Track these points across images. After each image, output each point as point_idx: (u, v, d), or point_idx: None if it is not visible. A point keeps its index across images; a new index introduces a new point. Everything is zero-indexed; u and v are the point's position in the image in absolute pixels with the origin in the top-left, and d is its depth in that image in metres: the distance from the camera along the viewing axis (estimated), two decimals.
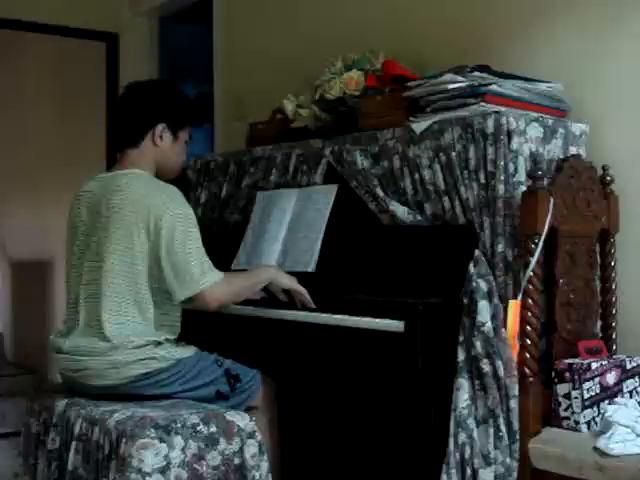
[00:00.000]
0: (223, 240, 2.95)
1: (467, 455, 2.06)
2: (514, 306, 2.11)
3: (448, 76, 2.33)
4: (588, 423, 2.11)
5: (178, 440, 2.04)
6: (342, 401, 2.39)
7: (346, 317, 2.26)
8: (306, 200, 2.71)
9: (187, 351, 2.30)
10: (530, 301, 2.12)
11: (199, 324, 2.47)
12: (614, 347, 2.34)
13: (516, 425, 2.07)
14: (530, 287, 2.11)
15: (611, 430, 1.99)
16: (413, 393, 2.11)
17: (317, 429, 2.49)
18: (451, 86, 2.32)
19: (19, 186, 5.75)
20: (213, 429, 2.10)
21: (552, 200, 2.15)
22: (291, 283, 2.43)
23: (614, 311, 2.36)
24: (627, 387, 2.23)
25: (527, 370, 2.11)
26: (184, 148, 2.49)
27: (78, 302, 2.31)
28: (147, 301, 2.25)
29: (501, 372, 2.06)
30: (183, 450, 2.05)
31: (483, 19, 2.78)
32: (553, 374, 2.16)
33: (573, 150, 2.36)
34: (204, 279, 2.24)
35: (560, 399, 2.14)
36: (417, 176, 2.38)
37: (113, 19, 4.83)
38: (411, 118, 2.43)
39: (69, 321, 2.36)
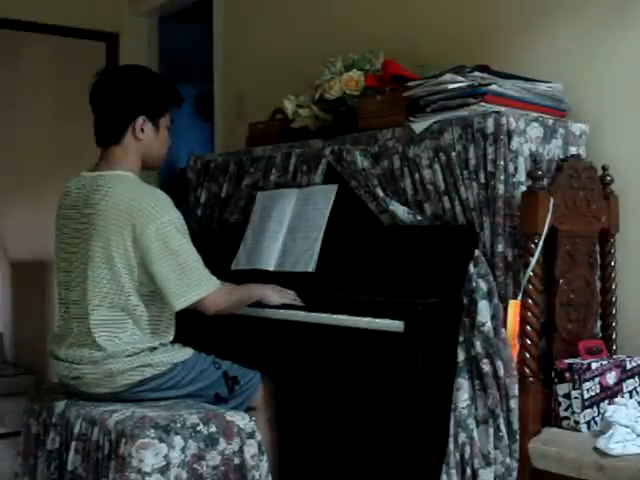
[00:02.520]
0: (223, 240, 2.95)
1: (467, 455, 2.06)
2: (514, 306, 2.11)
3: (448, 76, 2.33)
4: (588, 423, 2.11)
5: (178, 440, 2.04)
6: (342, 401, 2.39)
7: (346, 317, 2.26)
8: (306, 200, 2.70)
9: (184, 354, 2.29)
10: (530, 301, 2.11)
11: (197, 324, 2.46)
12: (614, 347, 2.34)
13: (516, 425, 2.07)
14: (530, 287, 2.11)
15: (611, 430, 1.99)
16: (413, 393, 2.11)
17: (317, 429, 2.49)
18: (451, 86, 2.32)
19: (19, 186, 5.75)
20: (213, 429, 2.10)
21: (552, 200, 2.15)
22: (279, 299, 2.42)
23: (614, 311, 2.36)
24: (627, 387, 2.23)
25: (527, 370, 2.11)
26: (167, 134, 2.42)
27: (69, 310, 2.29)
28: (137, 308, 2.21)
29: (501, 372, 2.06)
30: (183, 450, 2.05)
31: (483, 19, 2.77)
32: (553, 374, 2.15)
33: (573, 150, 2.36)
34: (202, 287, 2.22)
35: (560, 399, 2.14)
36: (417, 176, 2.38)
37: (113, 19, 4.82)
38: (411, 118, 2.43)
39: (63, 327, 2.33)
